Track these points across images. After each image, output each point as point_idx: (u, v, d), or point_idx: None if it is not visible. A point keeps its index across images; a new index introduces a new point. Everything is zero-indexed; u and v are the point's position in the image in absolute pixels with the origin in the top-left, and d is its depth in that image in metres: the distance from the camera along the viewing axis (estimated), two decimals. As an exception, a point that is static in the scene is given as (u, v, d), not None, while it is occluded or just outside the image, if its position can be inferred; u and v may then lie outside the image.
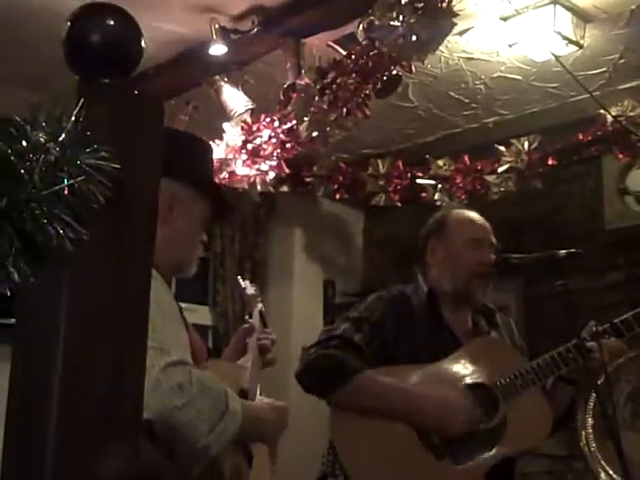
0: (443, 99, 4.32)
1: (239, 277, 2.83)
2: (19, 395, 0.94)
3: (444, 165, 4.22)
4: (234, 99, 3.70)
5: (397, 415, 2.36)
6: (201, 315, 4.94)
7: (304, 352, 2.50)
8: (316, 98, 3.23)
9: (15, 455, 0.93)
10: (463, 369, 2.43)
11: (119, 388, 0.93)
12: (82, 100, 0.89)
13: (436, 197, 4.24)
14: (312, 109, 3.23)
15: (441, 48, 3.39)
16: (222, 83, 3.74)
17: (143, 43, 1.01)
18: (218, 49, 3.48)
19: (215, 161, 2.08)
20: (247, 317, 2.34)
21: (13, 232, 0.81)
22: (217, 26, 3.43)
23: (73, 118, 0.88)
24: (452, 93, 4.26)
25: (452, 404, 2.35)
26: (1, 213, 0.80)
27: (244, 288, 2.52)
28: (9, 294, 0.84)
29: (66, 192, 0.84)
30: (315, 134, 3.30)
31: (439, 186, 4.23)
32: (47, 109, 0.88)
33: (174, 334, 1.65)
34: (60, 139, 0.86)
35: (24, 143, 0.84)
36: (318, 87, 3.22)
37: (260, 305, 2.36)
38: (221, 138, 3.58)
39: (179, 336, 1.68)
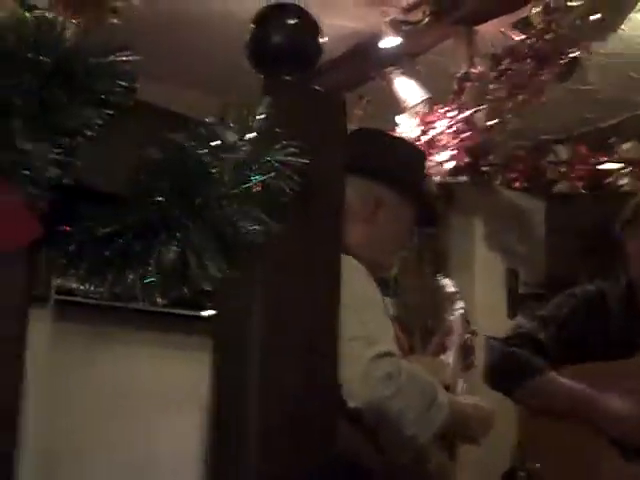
0: (625, 80, 4.11)
1: (438, 274, 2.79)
2: (219, 385, 0.98)
3: (631, 149, 4.02)
4: (407, 91, 3.70)
5: (585, 420, 2.26)
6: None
7: (488, 350, 2.46)
8: (491, 86, 3.17)
9: (218, 444, 0.97)
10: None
11: (313, 378, 0.95)
12: (267, 98, 0.92)
13: (622, 182, 4.04)
14: (488, 97, 3.18)
15: (622, 26, 3.23)
16: (395, 75, 3.74)
17: (323, 40, 1.03)
18: (390, 41, 3.49)
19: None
20: (448, 315, 2.31)
21: (209, 230, 0.84)
22: (388, 18, 3.44)
23: (260, 116, 0.90)
24: (633, 74, 4.05)
25: None
26: (198, 212, 0.83)
27: (444, 286, 2.48)
28: (207, 289, 0.88)
29: (256, 189, 0.87)
30: (491, 122, 3.24)
31: (626, 171, 4.03)
32: (235, 109, 0.91)
33: (382, 326, 1.68)
34: (249, 137, 0.89)
35: (215, 143, 0.87)
36: (493, 74, 3.17)
37: (461, 303, 2.32)
38: (395, 131, 3.59)
39: (386, 328, 1.71)
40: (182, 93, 4.10)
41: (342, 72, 3.86)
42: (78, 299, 3.10)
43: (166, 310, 3.42)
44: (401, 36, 3.45)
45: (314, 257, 0.97)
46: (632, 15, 3.15)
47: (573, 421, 2.27)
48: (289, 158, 0.88)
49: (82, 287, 0.89)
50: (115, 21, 1.79)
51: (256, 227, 0.87)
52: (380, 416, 1.53)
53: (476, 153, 3.95)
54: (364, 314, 1.52)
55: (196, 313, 3.32)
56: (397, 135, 2.06)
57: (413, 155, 2.05)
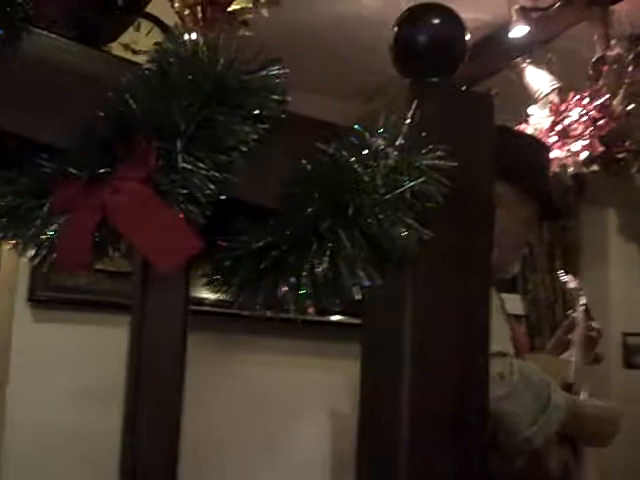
0: None
1: (560, 271, 2.80)
2: (369, 391, 0.97)
3: None
4: (538, 80, 3.60)
5: None
6: (511, 304, 4.86)
7: None
8: (630, 68, 3.05)
9: (367, 449, 0.97)
10: None
11: (466, 384, 0.93)
12: (414, 102, 0.90)
13: None
14: (626, 80, 3.05)
15: None
16: (524, 65, 3.65)
17: (467, 37, 1.00)
18: (519, 30, 3.41)
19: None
20: (570, 312, 2.29)
21: (361, 238, 0.84)
22: (517, 7, 3.36)
23: (408, 121, 0.89)
24: None
25: None
26: (350, 221, 0.82)
27: (565, 282, 2.48)
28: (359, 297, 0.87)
29: (407, 195, 0.85)
30: (631, 107, 3.11)
31: None
32: (383, 115, 0.90)
33: (496, 327, 1.66)
34: (397, 143, 0.88)
35: (365, 151, 0.86)
36: (631, 56, 3.04)
37: (583, 299, 2.29)
38: (527, 122, 3.50)
39: (501, 328, 1.69)
40: (322, 101, 4.13)
41: (470, 66, 3.78)
42: (209, 309, 3.14)
43: (293, 317, 3.42)
44: (530, 24, 3.35)
45: (467, 260, 0.95)
46: None
47: None
48: (438, 162, 0.86)
49: (214, 297, 0.90)
50: (246, 33, 1.82)
51: (408, 234, 0.85)
52: (493, 417, 1.51)
53: (608, 141, 3.81)
54: None
55: (325, 319, 3.32)
56: (519, 130, 2.00)
57: (535, 151, 1.99)
